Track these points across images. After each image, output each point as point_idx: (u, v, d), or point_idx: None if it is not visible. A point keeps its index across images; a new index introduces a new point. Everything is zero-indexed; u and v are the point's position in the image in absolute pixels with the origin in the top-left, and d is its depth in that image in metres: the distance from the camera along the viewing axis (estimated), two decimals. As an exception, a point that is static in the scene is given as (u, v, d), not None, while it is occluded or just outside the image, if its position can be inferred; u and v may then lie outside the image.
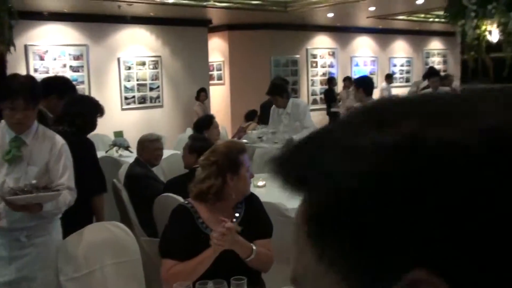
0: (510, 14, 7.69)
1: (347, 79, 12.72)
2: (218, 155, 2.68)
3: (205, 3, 9.79)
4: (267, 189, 4.41)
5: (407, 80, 15.78)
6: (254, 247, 2.55)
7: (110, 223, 3.13)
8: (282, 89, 6.56)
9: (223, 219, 2.46)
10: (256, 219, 2.75)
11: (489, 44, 8.11)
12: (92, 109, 3.93)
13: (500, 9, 7.78)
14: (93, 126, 3.95)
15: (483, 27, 8.08)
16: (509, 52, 7.89)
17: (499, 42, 7.98)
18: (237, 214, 2.72)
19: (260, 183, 4.43)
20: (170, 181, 4.13)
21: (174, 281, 2.32)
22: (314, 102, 13.61)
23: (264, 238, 2.69)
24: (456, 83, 10.15)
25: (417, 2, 10.04)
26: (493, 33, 8.02)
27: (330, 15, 11.55)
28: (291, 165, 0.44)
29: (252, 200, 2.82)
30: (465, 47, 8.46)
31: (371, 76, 13.98)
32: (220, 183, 2.62)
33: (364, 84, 6.16)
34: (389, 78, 14.22)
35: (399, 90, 14.92)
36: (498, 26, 7.92)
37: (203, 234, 2.56)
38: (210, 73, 12.68)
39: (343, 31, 14.20)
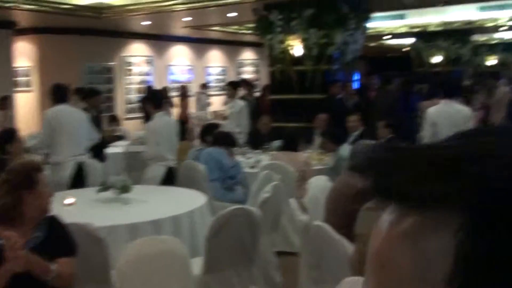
0: (310, 31, 8.41)
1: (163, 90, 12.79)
2: (12, 173, 2.65)
3: (8, 4, 9.04)
4: (76, 207, 4.23)
5: (223, 89, 16.33)
6: (52, 267, 2.48)
7: None
8: None
9: (6, 234, 2.35)
10: (58, 238, 2.69)
11: (294, 58, 8.78)
12: None
13: (302, 26, 8.48)
14: None
15: (288, 42, 8.72)
16: (310, 65, 8.63)
17: (302, 56, 8.68)
18: (38, 234, 2.63)
19: (68, 201, 4.23)
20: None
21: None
22: (131, 110, 13.36)
23: (67, 257, 2.63)
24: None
25: (229, 15, 10.46)
26: (297, 47, 8.70)
27: (146, 23, 11.48)
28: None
29: (54, 220, 2.75)
30: (272, 59, 9.05)
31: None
32: (11, 201, 2.57)
33: (151, 99, 6.08)
34: (204, 87, 14.61)
35: (215, 98, 15.40)
36: (301, 41, 8.62)
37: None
38: (16, 79, 11.77)
39: (159, 39, 14.21)
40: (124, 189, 4.28)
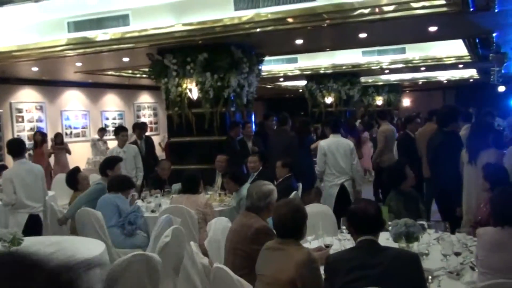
0: (206, 74, 8.54)
1: (57, 136, 12.32)
2: None
3: None
4: None
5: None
6: None
7: None
8: None
9: None
10: None
11: (191, 101, 8.84)
12: None
13: (197, 70, 8.59)
14: None
15: (184, 85, 8.78)
16: (208, 108, 8.73)
17: (198, 99, 8.76)
18: None
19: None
20: None
21: None
22: (22, 159, 12.68)
23: None
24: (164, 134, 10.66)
25: (124, 60, 10.37)
26: (193, 90, 8.77)
27: (35, 69, 11.07)
28: None
29: None
30: (169, 102, 9.05)
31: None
32: None
33: (9, 148, 5.93)
34: (102, 131, 14.24)
35: (113, 143, 15.00)
36: (196, 85, 8.71)
37: None
38: None
39: (51, 84, 13.74)
40: (14, 242, 4.03)
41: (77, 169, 7.03)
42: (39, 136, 11.61)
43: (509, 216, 3.14)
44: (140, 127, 10.17)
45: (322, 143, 7.15)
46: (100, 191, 5.81)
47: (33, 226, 5.62)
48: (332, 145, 7.00)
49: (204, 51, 8.47)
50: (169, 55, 8.69)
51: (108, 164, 6.35)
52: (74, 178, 6.49)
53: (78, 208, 6.02)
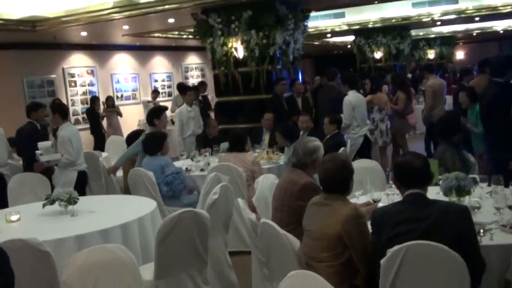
0: (251, 32, 8.47)
1: (109, 99, 12.65)
2: None
3: None
4: (21, 223, 4.13)
5: (169, 94, 16.21)
6: None
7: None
8: None
9: None
10: None
11: (236, 60, 8.82)
12: None
13: (242, 28, 8.53)
14: None
15: (229, 44, 8.75)
16: (254, 66, 8.69)
17: (244, 57, 8.73)
18: None
19: (13, 218, 4.11)
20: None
21: None
22: (77, 122, 13.10)
23: None
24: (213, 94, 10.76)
25: (169, 21, 10.40)
26: (238, 49, 8.74)
27: (84, 33, 11.27)
28: None
29: None
30: (215, 62, 9.06)
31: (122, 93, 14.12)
32: None
33: (59, 108, 6.28)
34: (155, 93, 14.49)
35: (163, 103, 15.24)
36: (242, 43, 8.67)
37: None
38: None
39: (100, 48, 13.95)
40: (70, 201, 4.20)
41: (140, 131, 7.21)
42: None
43: None
44: (196, 88, 10.43)
45: (349, 98, 7.63)
46: None
47: (81, 181, 6.02)
48: (358, 100, 7.67)
49: (248, 9, 8.38)
50: (213, 14, 8.65)
51: (155, 114, 6.40)
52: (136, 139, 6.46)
53: (127, 158, 6.32)
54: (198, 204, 4.99)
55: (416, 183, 2.88)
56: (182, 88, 10.05)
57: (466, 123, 6.47)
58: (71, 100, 13.28)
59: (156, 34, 12.89)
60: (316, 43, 19.06)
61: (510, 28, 19.91)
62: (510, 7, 13.17)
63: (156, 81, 16.17)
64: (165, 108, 6.93)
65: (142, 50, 15.39)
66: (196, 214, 3.61)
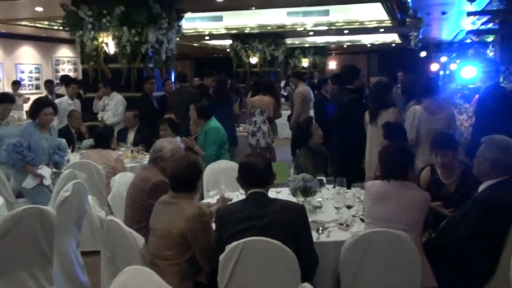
0: (123, 29, 8.29)
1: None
2: None
3: None
4: None
5: (37, 87, 15.35)
6: None
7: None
8: None
9: None
10: None
11: (107, 55, 8.58)
12: None
13: (114, 23, 8.32)
14: None
15: (100, 39, 8.50)
16: (125, 63, 8.51)
17: (115, 53, 8.52)
18: None
19: None
20: None
21: None
22: None
23: None
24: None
25: (37, 9, 9.87)
26: (109, 45, 8.51)
27: None
28: None
29: None
30: (85, 57, 8.75)
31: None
32: None
33: None
34: (16, 84, 13.57)
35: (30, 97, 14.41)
36: (113, 39, 8.45)
37: None
38: None
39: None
40: None
41: None
42: None
43: (392, 171, 3.31)
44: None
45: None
46: None
47: None
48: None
49: (121, 4, 8.20)
50: (84, 7, 8.36)
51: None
52: None
53: None
54: (50, 202, 4.80)
55: (258, 183, 3.03)
56: (67, 80, 9.59)
57: None
58: None
59: (24, 23, 12.15)
60: (196, 45, 19.10)
61: (376, 43, 21.43)
62: (375, 22, 14.18)
63: (23, 72, 15.24)
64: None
65: (7, 38, 14.42)
66: (41, 211, 3.47)
